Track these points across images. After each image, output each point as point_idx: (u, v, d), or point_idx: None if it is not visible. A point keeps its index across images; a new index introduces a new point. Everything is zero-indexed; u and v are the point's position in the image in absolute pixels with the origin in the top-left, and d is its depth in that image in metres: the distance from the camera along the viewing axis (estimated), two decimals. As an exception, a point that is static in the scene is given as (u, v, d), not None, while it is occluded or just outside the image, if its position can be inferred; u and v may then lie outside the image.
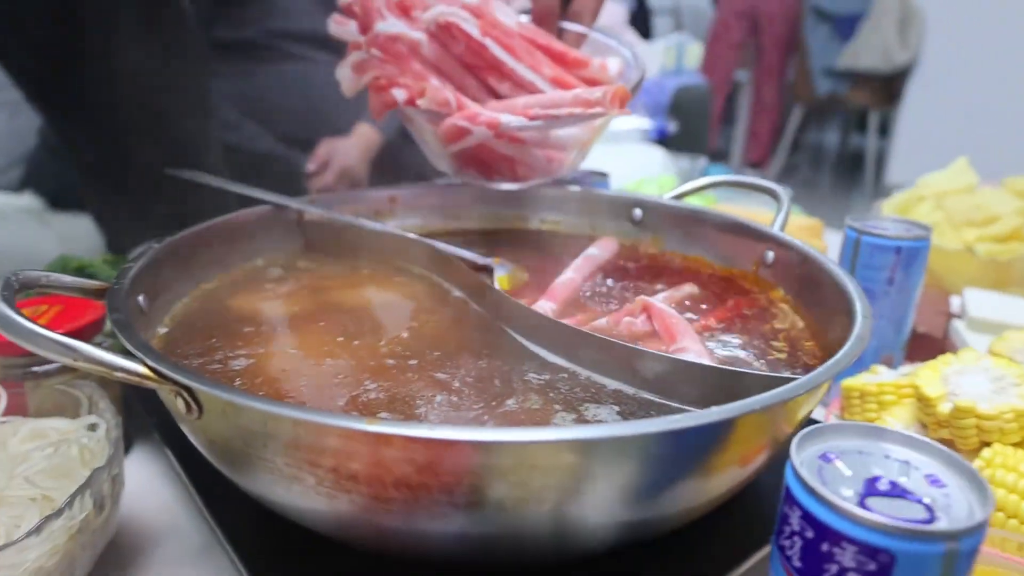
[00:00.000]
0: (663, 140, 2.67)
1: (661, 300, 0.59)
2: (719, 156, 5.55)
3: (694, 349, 0.49)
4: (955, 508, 0.29)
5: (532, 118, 0.61)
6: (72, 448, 0.49)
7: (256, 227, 0.66)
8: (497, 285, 0.63)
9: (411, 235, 0.66)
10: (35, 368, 0.55)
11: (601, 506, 0.35)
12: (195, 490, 0.51)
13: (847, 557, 0.28)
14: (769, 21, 4.68)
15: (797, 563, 0.30)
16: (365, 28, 0.64)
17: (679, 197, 0.74)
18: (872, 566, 0.28)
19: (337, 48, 0.69)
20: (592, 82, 0.65)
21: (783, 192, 0.67)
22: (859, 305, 0.47)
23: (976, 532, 0.28)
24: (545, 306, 0.55)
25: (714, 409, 0.33)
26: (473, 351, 0.49)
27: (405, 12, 0.65)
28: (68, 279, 0.46)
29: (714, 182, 0.73)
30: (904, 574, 0.28)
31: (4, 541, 0.39)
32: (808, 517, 0.30)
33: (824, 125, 6.24)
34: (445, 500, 0.33)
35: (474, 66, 0.65)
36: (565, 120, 0.60)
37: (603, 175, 0.91)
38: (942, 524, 0.28)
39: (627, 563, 0.42)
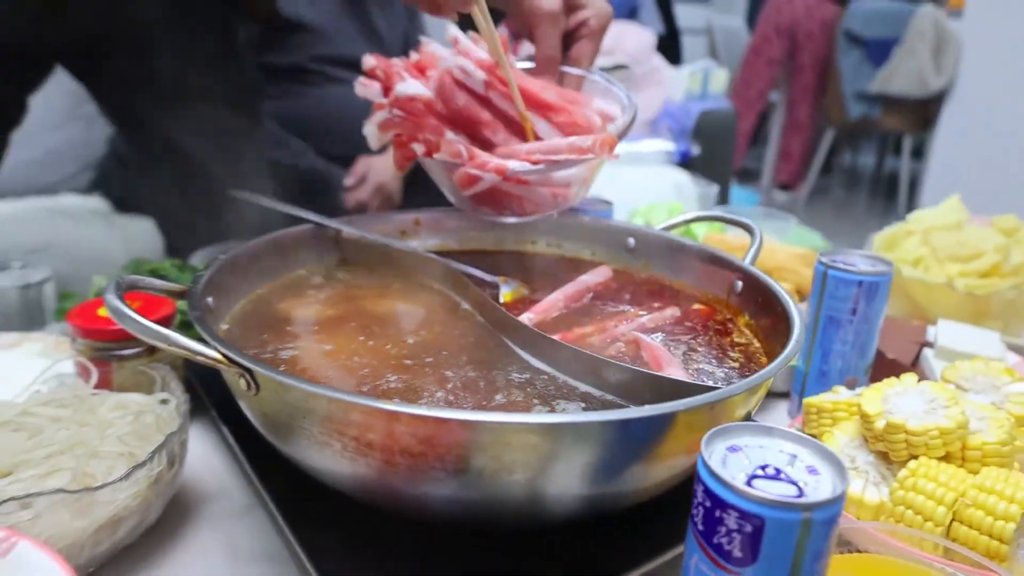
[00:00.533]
0: (686, 162, 2.76)
1: (647, 321, 0.69)
2: (748, 176, 5.59)
3: (677, 375, 0.58)
4: (821, 489, 0.39)
5: (534, 163, 0.71)
6: (149, 417, 0.60)
7: (300, 243, 0.77)
8: (502, 300, 0.74)
9: (431, 254, 0.77)
10: (120, 351, 0.67)
11: (562, 480, 0.45)
12: (245, 458, 0.62)
13: (731, 521, 0.38)
14: (808, 38, 4.72)
15: (700, 527, 0.40)
16: (387, 89, 0.74)
17: (668, 229, 0.83)
18: (748, 528, 0.38)
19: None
20: (586, 128, 0.75)
21: (756, 228, 0.77)
22: (795, 333, 0.56)
23: (828, 506, 0.37)
24: (525, 318, 0.66)
25: (645, 407, 0.44)
26: (473, 354, 0.60)
27: (421, 72, 0.76)
28: (158, 283, 0.58)
29: (697, 217, 0.83)
30: (772, 535, 0.37)
31: (102, 482, 0.50)
32: (708, 491, 0.39)
33: (860, 147, 6.24)
34: (439, 466, 0.43)
35: (473, 120, 0.75)
36: (562, 164, 0.70)
37: (607, 203, 1.01)
38: (801, 499, 0.38)
39: (597, 535, 0.52)
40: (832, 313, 0.78)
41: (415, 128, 0.74)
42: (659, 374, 0.54)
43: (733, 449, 0.42)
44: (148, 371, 0.65)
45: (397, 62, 0.76)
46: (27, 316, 0.92)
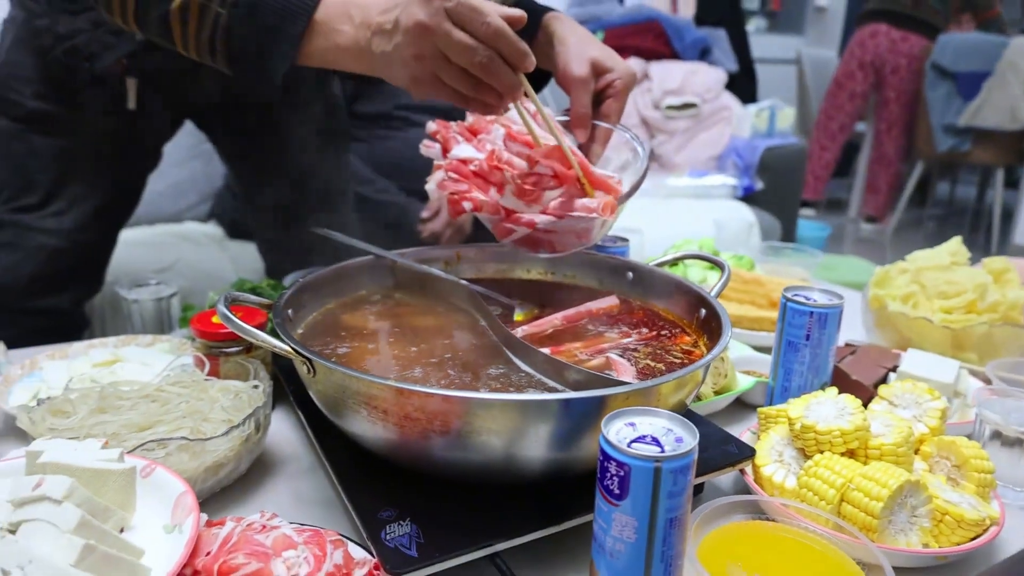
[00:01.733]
0: (750, 196, 2.89)
1: (630, 342, 0.87)
2: (835, 207, 5.59)
3: (624, 377, 0.77)
4: (676, 450, 0.57)
5: (558, 217, 0.90)
6: (244, 396, 0.84)
7: (362, 270, 1.00)
8: (515, 318, 0.94)
9: (462, 281, 0.98)
10: (226, 349, 0.91)
11: (526, 446, 0.65)
12: (310, 431, 0.84)
13: (612, 468, 0.57)
14: (893, 72, 4.72)
15: (599, 475, 0.59)
16: (446, 150, 0.96)
17: (660, 265, 1.02)
18: (621, 473, 0.56)
19: (453, 116, 0.99)
20: (605, 186, 0.94)
21: (726, 265, 0.94)
22: (707, 356, 0.73)
23: (674, 460, 0.56)
24: (519, 330, 0.86)
25: (581, 392, 0.63)
26: (477, 356, 0.81)
27: (474, 134, 0.97)
28: (254, 298, 0.81)
29: (683, 255, 1.01)
30: (636, 478, 0.56)
31: (210, 436, 0.74)
32: (602, 450, 0.58)
33: (960, 178, 6.12)
34: (430, 429, 0.64)
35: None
36: (576, 220, 0.88)
37: (624, 240, 1.20)
38: (656, 454, 0.56)
39: (561, 492, 0.71)
40: (791, 339, 0.94)
41: (465, 188, 0.95)
42: (605, 374, 0.73)
43: (630, 424, 0.61)
44: (245, 363, 0.89)
45: (454, 126, 0.96)
46: (159, 322, 1.19)
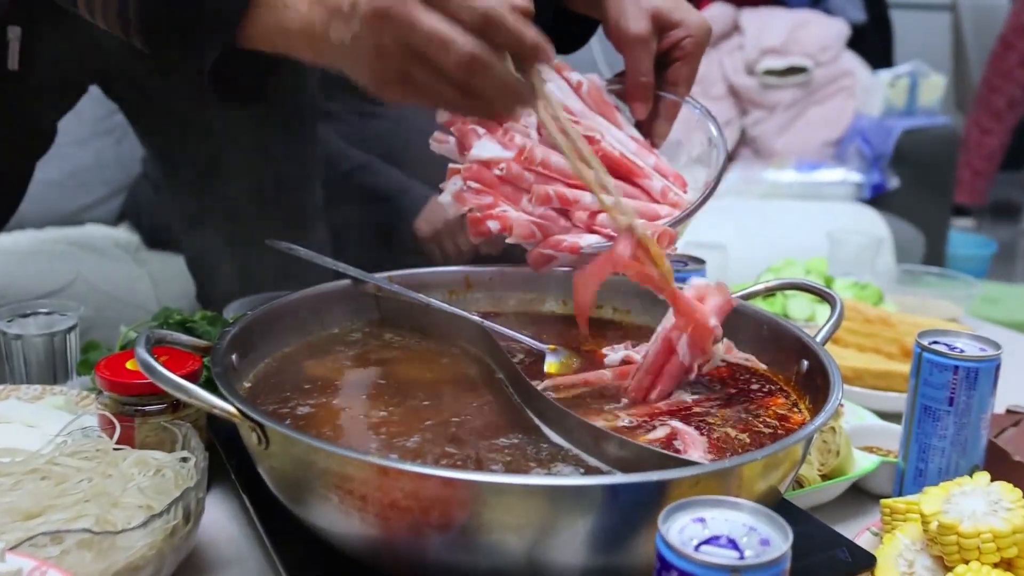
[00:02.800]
0: (880, 198, 2.90)
1: (700, 408, 0.90)
2: (1003, 211, 5.56)
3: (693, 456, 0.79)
4: (761, 557, 0.59)
5: (608, 238, 0.93)
6: (168, 473, 0.87)
7: (336, 299, 1.03)
8: (546, 370, 0.97)
9: (474, 317, 1.01)
10: (144, 407, 0.95)
11: (556, 546, 0.67)
12: (260, 523, 0.87)
13: (673, 578, 0.59)
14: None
15: (655, 587, 0.61)
16: (463, 147, 0.98)
17: (749, 298, 1.04)
18: (686, 586, 0.59)
19: None
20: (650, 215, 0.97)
21: (837, 299, 0.96)
22: (805, 430, 0.76)
23: (755, 571, 0.58)
24: (548, 386, 0.90)
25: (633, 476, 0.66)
26: (491, 422, 0.84)
27: (500, 123, 1.00)
28: (185, 338, 0.85)
29: (781, 284, 1.04)
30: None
31: (123, 529, 0.77)
32: (659, 554, 0.60)
33: None
34: (425, 522, 0.67)
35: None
36: None
37: (700, 262, 1.23)
38: (732, 562, 0.58)
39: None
40: (928, 402, 0.96)
41: (490, 202, 0.97)
42: (665, 451, 0.75)
43: (698, 520, 0.64)
44: (171, 428, 0.92)
45: None
46: (50, 366, 1.23)
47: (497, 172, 0.96)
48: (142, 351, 0.75)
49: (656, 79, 1.03)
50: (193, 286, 1.77)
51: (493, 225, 0.96)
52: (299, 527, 0.78)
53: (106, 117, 2.36)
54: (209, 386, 0.79)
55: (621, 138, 1.04)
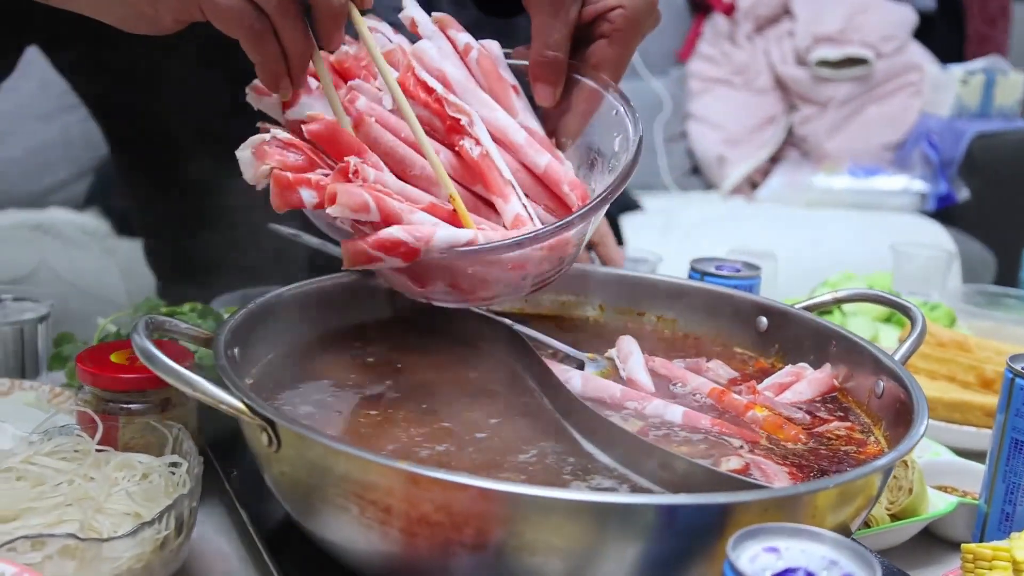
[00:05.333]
0: (947, 211, 2.90)
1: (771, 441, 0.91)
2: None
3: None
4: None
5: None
6: (156, 479, 0.87)
7: (345, 293, 1.04)
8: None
9: (504, 320, 1.01)
10: (130, 404, 0.95)
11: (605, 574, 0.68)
12: (259, 539, 0.87)
13: (744, 613, 0.60)
14: None
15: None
16: (286, 105, 0.90)
17: (813, 309, 1.05)
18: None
19: None
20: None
21: (918, 314, 0.97)
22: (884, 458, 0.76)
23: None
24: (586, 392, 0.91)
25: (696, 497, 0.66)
26: (523, 435, 0.84)
27: (344, 78, 0.93)
28: (184, 326, 0.85)
29: (851, 295, 1.05)
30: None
31: (111, 536, 0.77)
32: (727, 584, 0.61)
33: None
34: (456, 540, 0.67)
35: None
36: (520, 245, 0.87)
37: (754, 269, 1.23)
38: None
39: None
40: (1019, 436, 0.96)
41: (302, 165, 0.87)
42: (727, 472, 0.76)
43: (771, 550, 0.64)
44: (159, 428, 0.93)
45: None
46: (17, 358, 1.23)
47: (313, 128, 0.88)
48: (141, 338, 0.76)
49: (574, 59, 0.96)
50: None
51: (307, 195, 0.85)
52: (308, 547, 0.79)
53: (71, 90, 2.36)
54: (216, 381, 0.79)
55: (507, 126, 0.97)
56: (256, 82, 0.90)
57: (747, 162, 3.23)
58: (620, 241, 1.55)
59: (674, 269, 1.37)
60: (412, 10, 0.99)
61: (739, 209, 3.04)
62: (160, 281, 1.74)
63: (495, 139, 0.95)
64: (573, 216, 0.88)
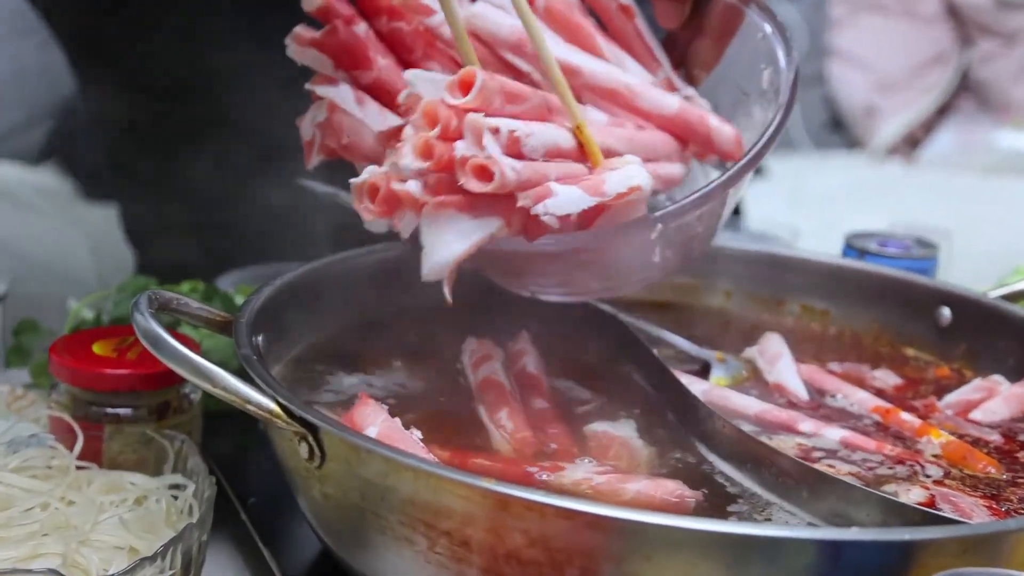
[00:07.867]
0: None
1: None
2: None
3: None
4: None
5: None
6: (154, 505, 0.88)
7: (393, 267, 1.04)
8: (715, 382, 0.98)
9: (603, 307, 1.02)
10: (117, 409, 0.97)
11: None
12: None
13: None
14: None
15: None
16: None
17: (1008, 298, 1.04)
18: None
19: None
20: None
21: None
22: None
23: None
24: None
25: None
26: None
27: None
28: (195, 304, 0.87)
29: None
30: None
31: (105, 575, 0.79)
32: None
33: None
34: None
35: None
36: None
37: (931, 248, 1.23)
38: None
39: None
40: None
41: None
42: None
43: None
44: (157, 439, 0.94)
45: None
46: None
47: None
48: (145, 317, 0.77)
49: None
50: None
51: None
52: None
53: (26, 12, 2.37)
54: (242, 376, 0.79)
55: (606, 72, 0.95)
56: (298, 29, 0.89)
57: (906, 113, 3.21)
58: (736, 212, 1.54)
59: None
60: None
61: (894, 175, 3.01)
62: (142, 257, 1.75)
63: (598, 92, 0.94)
64: (751, 153, 0.87)
